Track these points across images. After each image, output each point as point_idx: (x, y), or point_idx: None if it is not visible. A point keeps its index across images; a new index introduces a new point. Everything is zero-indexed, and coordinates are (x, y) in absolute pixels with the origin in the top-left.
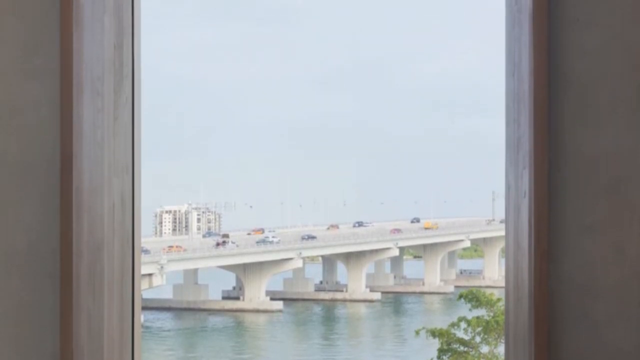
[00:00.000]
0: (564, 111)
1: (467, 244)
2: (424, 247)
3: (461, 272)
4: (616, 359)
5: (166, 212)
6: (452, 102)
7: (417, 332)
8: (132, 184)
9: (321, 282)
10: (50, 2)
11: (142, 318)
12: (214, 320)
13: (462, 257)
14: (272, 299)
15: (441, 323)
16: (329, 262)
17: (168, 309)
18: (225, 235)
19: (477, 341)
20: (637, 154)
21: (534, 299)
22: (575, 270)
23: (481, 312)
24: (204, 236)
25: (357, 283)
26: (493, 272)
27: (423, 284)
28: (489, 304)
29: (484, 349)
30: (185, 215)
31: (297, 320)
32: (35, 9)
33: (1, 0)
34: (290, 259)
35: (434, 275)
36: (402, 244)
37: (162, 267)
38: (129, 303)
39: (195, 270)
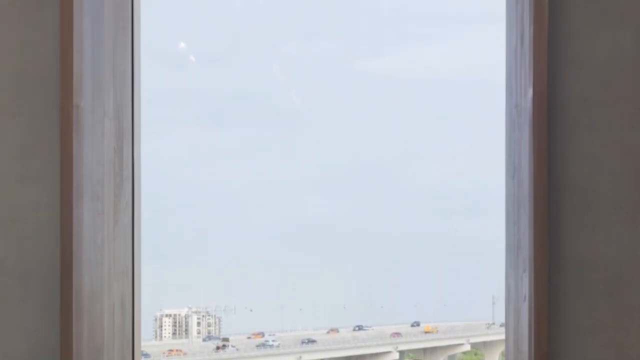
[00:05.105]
0: (564, 214)
1: (467, 347)
2: (424, 350)
3: None
4: None
5: (166, 315)
6: (451, 205)
7: None
8: (132, 287)
9: None
10: (50, 105)
11: None
12: None
13: None
14: None
15: None
16: None
17: None
18: (225, 339)
19: None
20: (637, 257)
21: None
22: None
23: None
24: (204, 340)
25: None
26: None
27: None
28: None
29: None
30: (186, 318)
31: None
32: (34, 112)
33: (0, 103)
34: None
35: None
36: (402, 347)
37: None
38: None
39: None
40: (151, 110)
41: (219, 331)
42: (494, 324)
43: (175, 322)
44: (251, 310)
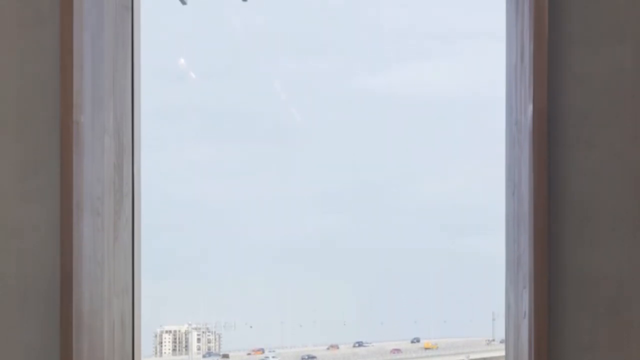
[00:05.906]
0: (564, 231)
1: None
2: None
3: None
4: None
5: (166, 332)
6: (451, 222)
7: None
8: (132, 304)
9: None
10: (50, 122)
11: None
12: None
13: None
14: None
15: None
16: None
17: None
18: (225, 356)
19: None
20: (637, 273)
21: None
22: None
23: None
24: (204, 356)
25: None
26: None
27: None
28: None
29: None
30: (186, 335)
31: None
32: (35, 130)
33: (1, 121)
34: None
35: None
36: None
37: None
38: None
39: None
40: (151, 126)
41: (219, 347)
42: (494, 340)
43: (175, 339)
44: (251, 327)
